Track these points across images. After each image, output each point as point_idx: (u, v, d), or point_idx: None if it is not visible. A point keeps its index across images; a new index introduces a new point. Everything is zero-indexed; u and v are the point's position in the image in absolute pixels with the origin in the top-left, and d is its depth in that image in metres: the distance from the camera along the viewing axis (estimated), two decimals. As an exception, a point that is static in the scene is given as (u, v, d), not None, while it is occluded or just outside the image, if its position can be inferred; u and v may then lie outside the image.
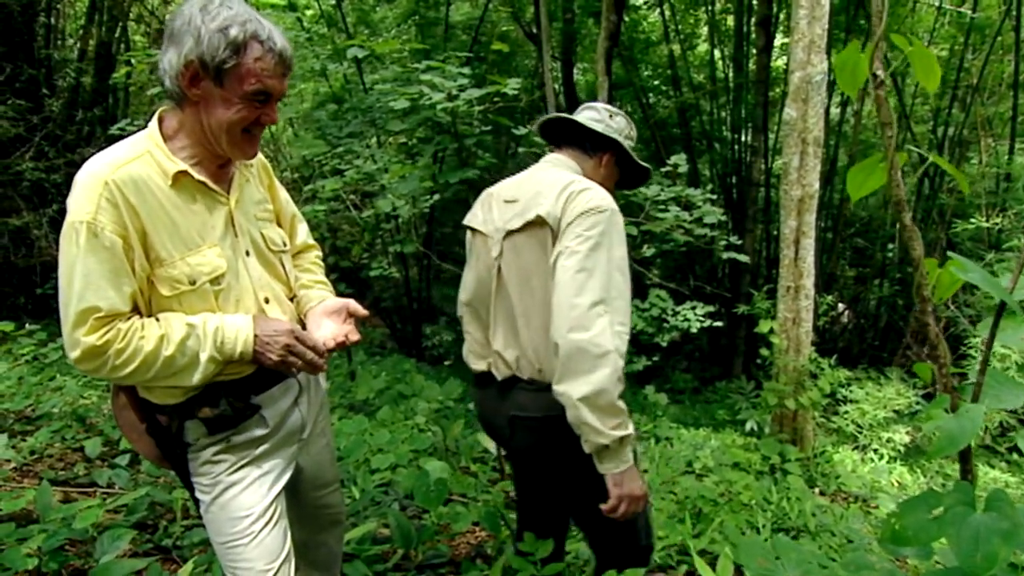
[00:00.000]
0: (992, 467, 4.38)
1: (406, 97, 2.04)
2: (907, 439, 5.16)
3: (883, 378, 5.83)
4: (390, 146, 5.17)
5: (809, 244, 4.24)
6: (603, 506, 1.44)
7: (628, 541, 1.64)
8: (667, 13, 10.00)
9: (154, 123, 1.22)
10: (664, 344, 5.69)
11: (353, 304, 1.40)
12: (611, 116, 1.67)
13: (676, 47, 10.37)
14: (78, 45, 7.88)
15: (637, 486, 1.42)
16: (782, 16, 8.83)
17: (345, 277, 6.58)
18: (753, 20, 9.22)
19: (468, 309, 1.72)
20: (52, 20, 7.50)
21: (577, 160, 1.65)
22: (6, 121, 6.10)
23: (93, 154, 1.19)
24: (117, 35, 7.72)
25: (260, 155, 1.39)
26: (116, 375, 1.15)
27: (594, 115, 1.67)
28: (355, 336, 1.37)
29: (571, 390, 1.34)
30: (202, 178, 1.22)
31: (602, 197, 1.45)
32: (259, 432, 1.32)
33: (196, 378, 1.19)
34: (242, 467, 1.30)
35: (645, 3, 10.65)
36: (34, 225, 6.37)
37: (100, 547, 1.97)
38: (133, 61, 5.42)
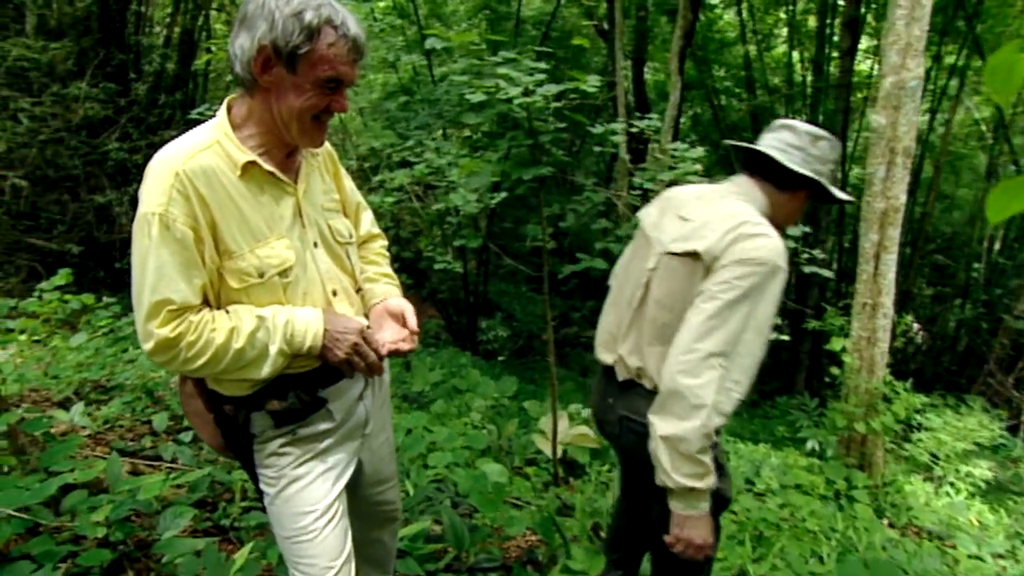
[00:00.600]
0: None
1: (482, 90, 2.00)
2: (989, 475, 4.82)
3: (963, 406, 5.47)
4: (456, 139, 5.18)
5: (891, 260, 4.00)
6: (665, 536, 1.45)
7: None
8: (744, 13, 9.68)
9: (223, 111, 1.20)
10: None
11: (411, 316, 1.37)
12: (813, 141, 1.52)
13: (752, 48, 10.02)
14: (164, 32, 8.23)
15: (699, 535, 1.40)
16: (869, 18, 8.40)
17: (405, 268, 6.64)
18: (838, 21, 8.80)
19: (614, 289, 1.72)
20: (142, 8, 7.86)
21: (765, 192, 1.54)
22: (97, 103, 6.43)
23: (173, 137, 1.18)
24: (200, 23, 8.02)
25: (327, 143, 1.36)
26: (188, 367, 1.14)
27: (793, 140, 1.52)
28: (408, 346, 1.33)
29: (659, 425, 1.37)
30: (270, 168, 1.19)
31: (769, 249, 1.38)
32: (325, 426, 1.30)
33: (265, 371, 1.17)
34: (307, 461, 1.28)
35: (722, 2, 10.34)
36: (116, 203, 6.70)
37: (163, 522, 2.02)
38: (213, 48, 5.60)
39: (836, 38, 8.57)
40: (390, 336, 1.33)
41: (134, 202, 1.53)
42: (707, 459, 1.35)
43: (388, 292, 1.43)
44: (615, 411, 1.63)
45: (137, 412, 3.31)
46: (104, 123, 6.62)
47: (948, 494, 4.63)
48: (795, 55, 9.87)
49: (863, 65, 9.51)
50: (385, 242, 1.56)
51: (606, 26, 9.32)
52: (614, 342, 1.65)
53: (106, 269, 6.83)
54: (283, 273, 1.19)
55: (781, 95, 10.14)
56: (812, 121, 9.59)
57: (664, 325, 1.49)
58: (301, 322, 1.18)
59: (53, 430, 2.78)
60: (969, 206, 10.22)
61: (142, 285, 1.10)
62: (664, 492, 1.42)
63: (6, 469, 2.18)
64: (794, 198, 1.54)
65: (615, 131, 2.67)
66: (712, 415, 1.32)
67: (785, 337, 5.27)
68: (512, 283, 12.44)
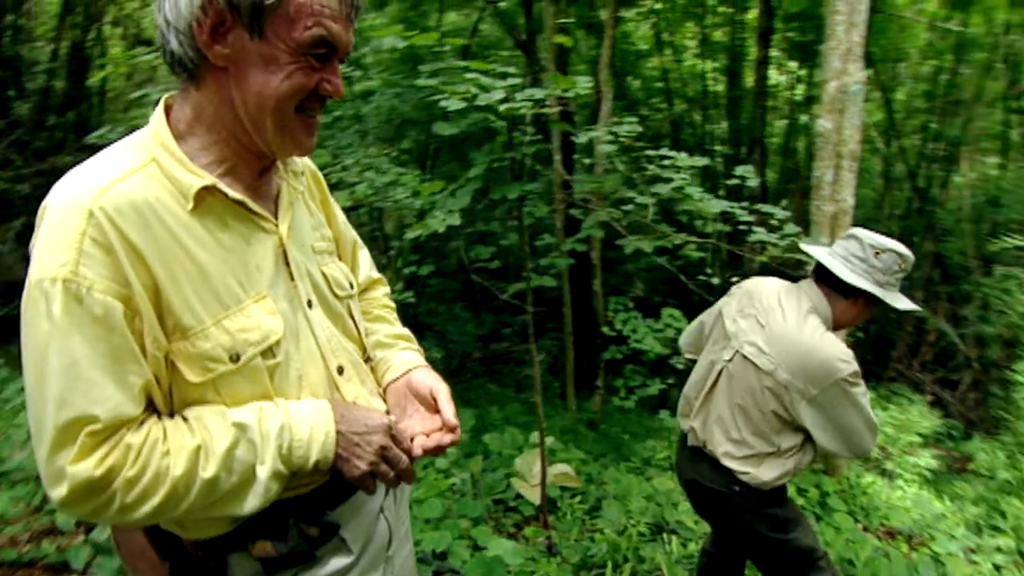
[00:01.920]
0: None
1: (459, 97, 1.74)
2: (934, 463, 4.97)
3: (904, 400, 5.67)
4: (386, 157, 4.86)
5: (842, 262, 4.03)
6: None
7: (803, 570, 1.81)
8: (660, 25, 9.89)
9: (159, 116, 0.82)
10: (680, 367, 5.44)
11: (446, 403, 0.97)
12: (877, 254, 1.66)
13: (669, 59, 10.26)
14: (50, 46, 7.43)
15: None
16: (779, 27, 8.75)
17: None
18: (748, 33, 9.15)
19: (690, 347, 2.05)
20: (21, 19, 7.05)
21: (829, 299, 1.73)
22: (-32, 127, 5.66)
23: (69, 165, 0.80)
24: (92, 36, 7.28)
25: (308, 159, 1.01)
26: (128, 517, 0.75)
27: (856, 251, 1.69)
28: (450, 439, 0.94)
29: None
30: (237, 195, 0.83)
31: (838, 367, 1.60)
32: (340, 563, 0.91)
33: (250, 505, 0.80)
34: None
35: (637, 15, 10.54)
36: (-3, 240, 5.90)
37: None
38: (109, 65, 5.03)
39: (749, 49, 8.89)
40: (420, 426, 0.97)
41: (20, 237, 1.09)
42: None
43: (409, 361, 1.06)
44: (688, 473, 1.89)
45: (32, 503, 2.60)
46: (-22, 149, 5.84)
47: (900, 487, 4.72)
48: (709, 65, 10.18)
49: (777, 75, 9.91)
50: (388, 289, 1.20)
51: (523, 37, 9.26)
52: (688, 413, 1.89)
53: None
54: (268, 352, 0.83)
55: (698, 105, 10.41)
56: (731, 129, 9.92)
57: (734, 415, 1.75)
58: (302, 425, 0.82)
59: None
60: (871, 204, 10.81)
61: (42, 396, 0.72)
62: (748, 536, 1.83)
63: None
64: (854, 305, 1.72)
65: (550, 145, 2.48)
66: None
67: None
68: (443, 303, 12.09)
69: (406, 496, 1.13)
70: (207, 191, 0.80)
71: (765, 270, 3.70)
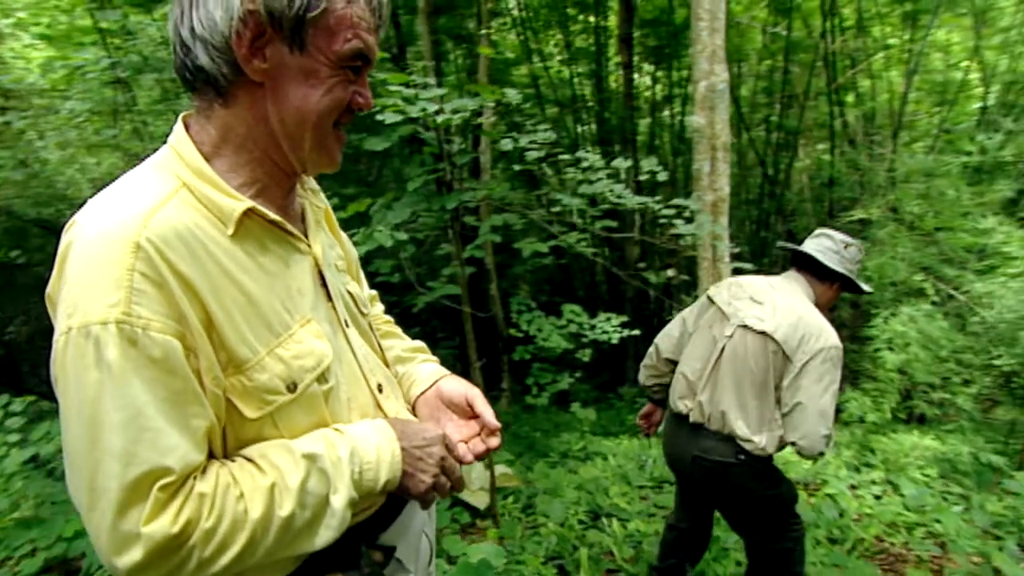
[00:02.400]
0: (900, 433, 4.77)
1: (393, 110, 1.72)
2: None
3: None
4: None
5: (725, 246, 4.40)
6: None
7: (786, 533, 2.06)
8: (527, 34, 10.22)
9: (181, 135, 0.77)
10: (586, 360, 5.65)
11: (482, 406, 0.98)
12: (845, 247, 2.03)
13: (538, 66, 10.61)
14: None
15: None
16: (637, 34, 9.35)
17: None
18: (611, 39, 9.70)
19: (670, 350, 2.22)
20: None
21: (812, 284, 2.07)
22: None
23: None
24: None
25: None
26: (205, 573, 0.69)
27: (830, 245, 2.04)
28: (496, 442, 0.96)
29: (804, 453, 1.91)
30: (276, 217, 0.79)
31: (827, 337, 1.90)
32: None
33: (323, 538, 0.76)
34: None
35: (502, 24, 10.81)
36: None
37: None
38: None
39: (613, 54, 9.43)
40: (456, 435, 0.97)
41: None
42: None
43: (435, 372, 1.06)
44: (689, 451, 2.04)
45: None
46: None
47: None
48: (575, 70, 10.64)
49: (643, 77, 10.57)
50: (383, 306, 1.18)
51: (395, 51, 9.21)
52: (690, 395, 2.06)
53: None
54: (322, 378, 0.79)
55: (569, 109, 10.85)
56: (601, 130, 10.45)
57: (738, 386, 1.95)
58: (369, 448, 0.79)
59: None
60: (731, 191, 11.87)
61: (100, 455, 0.64)
62: (749, 507, 2.05)
63: None
64: (831, 288, 2.07)
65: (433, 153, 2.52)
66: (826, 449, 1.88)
67: (636, 332, 5.57)
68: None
69: (435, 513, 1.13)
70: (246, 215, 0.76)
71: (673, 254, 4.01)
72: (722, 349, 1.99)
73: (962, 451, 3.87)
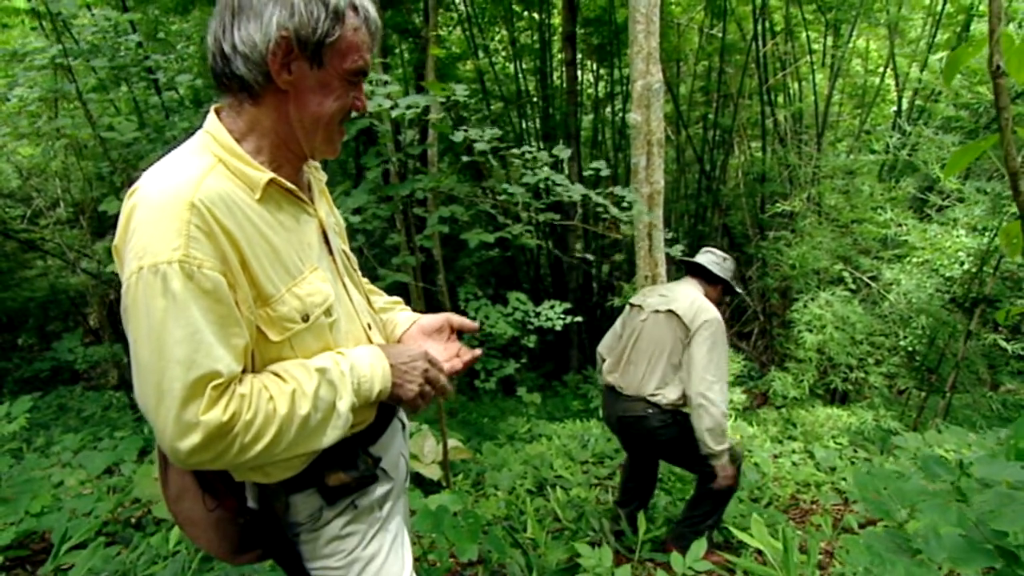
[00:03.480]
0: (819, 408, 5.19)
1: (352, 105, 1.87)
2: (744, 399, 5.95)
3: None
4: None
5: (660, 236, 4.70)
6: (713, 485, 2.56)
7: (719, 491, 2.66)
8: (473, 30, 10.36)
9: (215, 123, 0.97)
10: (531, 345, 5.88)
11: (457, 318, 1.22)
12: (724, 260, 2.78)
13: (484, 62, 10.77)
14: None
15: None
16: (580, 32, 9.62)
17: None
18: (556, 37, 9.94)
19: (607, 351, 2.86)
20: None
21: (702, 285, 2.74)
22: None
23: None
24: None
25: None
26: (243, 457, 0.88)
27: (714, 259, 2.77)
28: (473, 354, 1.19)
29: (697, 424, 2.45)
30: (290, 186, 1.00)
31: (713, 313, 2.55)
32: (383, 489, 1.11)
33: (330, 436, 0.96)
34: (375, 536, 1.09)
35: (449, 18, 10.92)
36: None
37: None
38: None
39: (557, 51, 9.67)
40: (440, 356, 1.17)
41: None
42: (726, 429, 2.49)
43: (412, 315, 1.27)
44: (616, 413, 2.70)
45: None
46: None
47: (722, 421, 5.59)
48: (520, 66, 10.85)
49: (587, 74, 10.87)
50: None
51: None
52: (613, 371, 2.74)
53: None
54: (327, 312, 1.01)
55: (514, 104, 11.05)
56: (546, 126, 10.70)
57: (651, 357, 2.60)
58: (364, 364, 1.00)
59: None
60: (670, 186, 12.33)
61: (166, 363, 0.83)
62: (679, 449, 2.60)
63: None
64: (715, 290, 2.74)
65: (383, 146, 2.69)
66: (723, 411, 2.41)
67: (580, 319, 5.83)
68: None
69: (408, 441, 1.33)
70: (269, 183, 0.96)
71: (616, 244, 4.48)
72: (639, 333, 2.67)
73: (867, 419, 4.28)
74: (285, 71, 0.93)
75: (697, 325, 2.48)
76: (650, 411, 2.57)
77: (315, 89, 0.96)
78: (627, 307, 2.85)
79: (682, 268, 3.06)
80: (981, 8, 6.82)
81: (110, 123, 3.79)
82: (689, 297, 2.60)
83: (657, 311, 2.62)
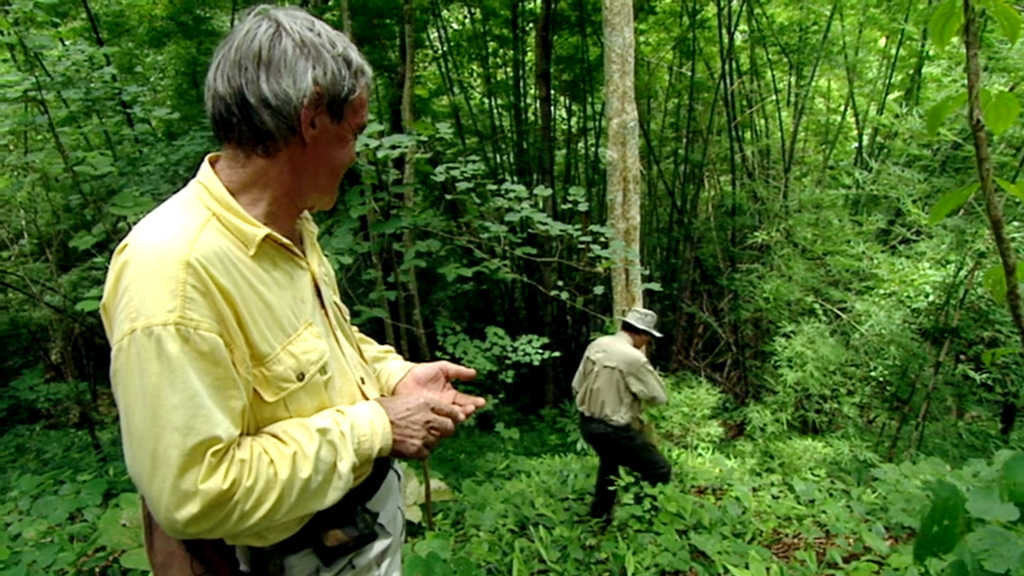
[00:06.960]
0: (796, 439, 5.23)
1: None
2: (720, 431, 5.97)
3: (691, 383, 6.69)
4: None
5: (637, 271, 4.75)
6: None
7: (654, 468, 3.77)
8: (448, 66, 10.52)
9: (209, 174, 0.94)
10: (508, 381, 5.85)
11: (452, 367, 1.19)
12: (645, 315, 3.83)
13: (459, 97, 10.92)
14: None
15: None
16: (553, 70, 9.84)
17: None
18: (530, 74, 10.14)
19: (578, 386, 3.91)
20: None
21: (632, 337, 3.79)
22: None
23: None
24: None
25: None
26: (242, 526, 0.84)
27: (637, 315, 3.83)
28: (475, 402, 1.16)
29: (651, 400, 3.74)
30: (285, 241, 0.98)
31: (637, 356, 3.68)
32: (382, 545, 1.07)
33: (331, 497, 0.92)
34: None
35: (424, 55, 11.07)
36: None
37: None
38: None
39: (532, 89, 9.85)
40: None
41: None
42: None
43: (406, 365, 1.24)
44: (587, 432, 3.83)
45: None
46: None
47: (700, 454, 5.60)
48: (495, 102, 11.02)
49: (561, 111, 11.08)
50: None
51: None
52: (585, 400, 3.78)
53: None
54: (323, 369, 0.98)
55: (489, 139, 11.19)
56: (520, 160, 10.84)
57: (601, 393, 3.68)
58: (364, 423, 0.97)
59: None
60: (643, 220, 12.55)
61: (161, 429, 0.80)
62: (625, 456, 3.79)
63: None
64: (641, 338, 3.80)
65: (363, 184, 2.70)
66: (661, 397, 3.81)
67: (558, 354, 5.83)
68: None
69: (404, 494, 1.28)
70: (263, 239, 0.94)
71: (592, 277, 5.31)
72: (595, 377, 3.73)
73: (844, 450, 4.32)
74: (310, 125, 0.94)
75: (630, 370, 3.64)
76: (608, 429, 3.69)
77: (333, 142, 0.97)
78: (584, 358, 3.86)
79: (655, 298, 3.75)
80: (931, 52, 7.16)
81: (84, 156, 3.73)
82: (623, 352, 3.68)
83: (605, 365, 3.72)
